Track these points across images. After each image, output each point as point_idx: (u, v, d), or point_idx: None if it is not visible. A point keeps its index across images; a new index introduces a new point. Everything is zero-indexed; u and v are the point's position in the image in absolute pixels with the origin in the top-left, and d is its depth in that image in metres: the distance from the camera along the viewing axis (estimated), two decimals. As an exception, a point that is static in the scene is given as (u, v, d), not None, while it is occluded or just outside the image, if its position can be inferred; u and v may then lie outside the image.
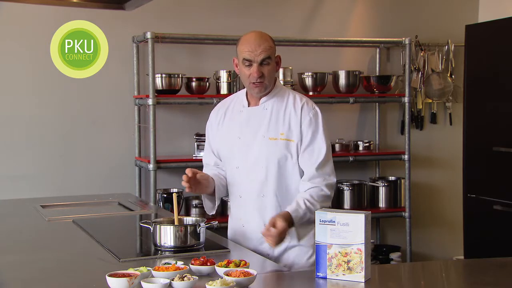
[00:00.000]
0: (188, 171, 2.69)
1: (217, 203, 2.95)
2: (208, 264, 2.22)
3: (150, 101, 4.50)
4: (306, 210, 2.67)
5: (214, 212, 3.03)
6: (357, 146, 5.20)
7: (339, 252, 2.14)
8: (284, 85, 4.76)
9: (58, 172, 4.71)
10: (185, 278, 2.05)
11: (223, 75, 4.77)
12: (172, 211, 3.03)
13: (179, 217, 2.71)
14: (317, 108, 2.82)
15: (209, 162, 3.01)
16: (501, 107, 4.41)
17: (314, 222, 2.51)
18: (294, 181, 2.78)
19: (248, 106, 2.88)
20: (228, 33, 4.84)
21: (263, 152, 2.78)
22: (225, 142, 2.90)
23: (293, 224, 2.66)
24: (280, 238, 2.57)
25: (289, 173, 2.77)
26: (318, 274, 2.18)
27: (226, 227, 4.49)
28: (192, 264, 2.22)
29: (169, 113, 4.89)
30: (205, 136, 4.64)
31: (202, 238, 2.59)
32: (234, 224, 2.94)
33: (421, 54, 5.45)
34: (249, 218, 2.83)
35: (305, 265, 2.77)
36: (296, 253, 2.78)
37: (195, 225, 2.58)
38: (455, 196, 5.15)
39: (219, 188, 2.90)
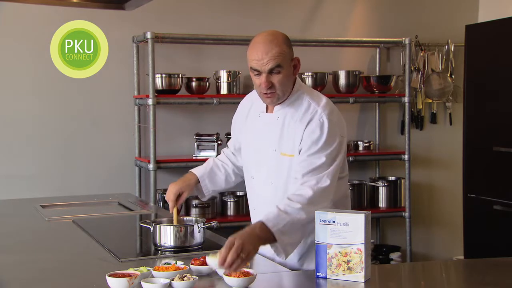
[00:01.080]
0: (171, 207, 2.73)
1: (206, 193, 2.91)
2: (208, 264, 2.22)
3: (150, 101, 4.50)
4: (281, 213, 2.33)
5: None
6: (357, 146, 5.20)
7: (339, 252, 2.14)
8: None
9: (58, 172, 4.71)
10: (185, 278, 2.05)
11: (223, 75, 4.77)
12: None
13: (179, 217, 2.71)
14: (324, 118, 2.50)
15: (229, 147, 2.95)
16: (501, 107, 4.41)
17: (300, 228, 2.36)
18: None
19: (266, 112, 2.64)
20: (228, 33, 4.84)
21: (273, 168, 2.58)
22: (244, 146, 2.75)
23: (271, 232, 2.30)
24: (233, 258, 2.10)
25: None
26: (318, 274, 2.18)
27: (226, 227, 4.50)
28: (192, 264, 2.22)
29: (169, 113, 4.89)
30: (204, 136, 4.72)
31: (202, 238, 2.59)
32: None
33: (421, 54, 5.45)
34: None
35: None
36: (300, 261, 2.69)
37: (195, 225, 2.58)
38: (455, 196, 5.15)
39: (205, 184, 2.88)
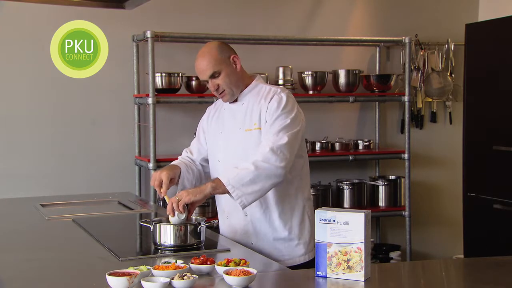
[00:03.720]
0: (162, 191, 2.79)
1: (179, 186, 2.96)
2: (208, 263, 2.22)
3: (150, 100, 4.50)
4: (235, 169, 2.65)
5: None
6: (357, 145, 5.20)
7: (339, 251, 2.14)
8: (284, 84, 4.84)
9: (58, 171, 4.71)
10: (185, 277, 2.05)
11: (223, 74, 4.77)
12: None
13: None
14: (283, 94, 2.80)
15: (192, 150, 3.10)
16: (501, 106, 4.41)
17: (252, 180, 2.61)
18: None
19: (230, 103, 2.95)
20: (228, 32, 4.84)
21: (241, 144, 2.85)
22: (210, 137, 3.02)
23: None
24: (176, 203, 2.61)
25: None
26: (318, 273, 2.18)
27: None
28: (192, 263, 2.22)
29: (169, 112, 4.89)
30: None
31: (202, 237, 2.60)
32: (220, 217, 3.03)
33: (421, 53, 5.45)
34: (231, 210, 2.89)
35: (293, 256, 2.84)
36: (277, 245, 2.84)
37: (195, 224, 2.58)
38: (455, 195, 5.15)
39: (184, 175, 2.94)
